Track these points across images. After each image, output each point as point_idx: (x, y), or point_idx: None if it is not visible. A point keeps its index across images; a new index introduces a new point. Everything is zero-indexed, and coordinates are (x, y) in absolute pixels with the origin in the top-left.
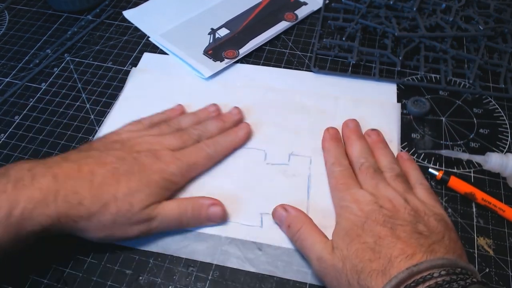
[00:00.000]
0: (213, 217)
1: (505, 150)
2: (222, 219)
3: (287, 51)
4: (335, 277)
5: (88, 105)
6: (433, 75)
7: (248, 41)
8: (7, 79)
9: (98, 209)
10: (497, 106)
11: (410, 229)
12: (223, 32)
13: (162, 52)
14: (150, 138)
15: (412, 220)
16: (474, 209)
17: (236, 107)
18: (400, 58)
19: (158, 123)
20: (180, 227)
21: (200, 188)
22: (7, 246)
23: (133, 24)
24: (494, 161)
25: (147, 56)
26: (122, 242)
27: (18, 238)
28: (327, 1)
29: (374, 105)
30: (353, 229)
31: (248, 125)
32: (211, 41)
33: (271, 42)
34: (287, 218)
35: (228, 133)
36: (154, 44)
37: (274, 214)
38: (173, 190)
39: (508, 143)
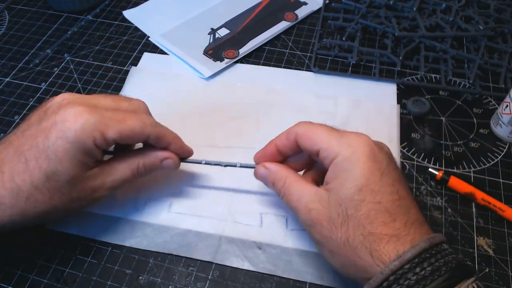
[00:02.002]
0: (167, 168)
1: (504, 150)
2: (175, 168)
3: (287, 51)
4: (327, 229)
5: None
6: (433, 75)
7: (248, 41)
8: (7, 79)
9: (25, 203)
10: (497, 106)
11: (405, 184)
12: (223, 32)
13: (162, 52)
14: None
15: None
16: (474, 209)
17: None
18: (400, 58)
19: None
20: (136, 179)
21: (198, 187)
22: None
23: (133, 24)
24: None
25: (147, 56)
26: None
27: None
28: (327, 1)
29: (374, 105)
30: (368, 183)
31: None
32: (211, 41)
33: (271, 42)
34: (269, 175)
35: None
36: (154, 44)
37: (256, 173)
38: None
39: (507, 143)
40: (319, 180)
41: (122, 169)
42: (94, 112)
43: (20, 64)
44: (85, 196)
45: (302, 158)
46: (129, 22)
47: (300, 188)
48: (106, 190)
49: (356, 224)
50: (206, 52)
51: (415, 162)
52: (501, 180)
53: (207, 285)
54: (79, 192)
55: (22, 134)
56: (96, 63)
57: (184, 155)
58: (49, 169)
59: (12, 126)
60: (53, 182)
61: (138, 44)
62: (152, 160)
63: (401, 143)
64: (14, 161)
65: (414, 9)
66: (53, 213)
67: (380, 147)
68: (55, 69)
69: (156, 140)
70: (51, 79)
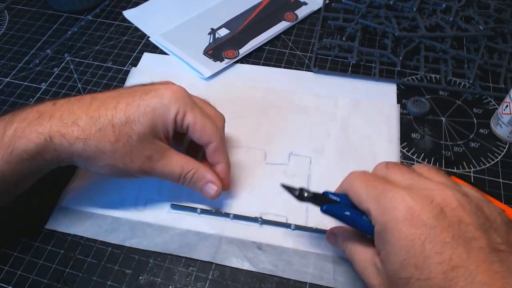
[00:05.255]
0: (205, 193)
1: (504, 150)
2: (213, 198)
3: (287, 51)
4: None
5: None
6: (433, 75)
7: (248, 41)
8: (7, 79)
9: (94, 133)
10: (497, 106)
11: (486, 243)
12: (223, 32)
13: (162, 52)
14: None
15: (483, 226)
16: None
17: None
18: (400, 58)
19: None
20: (176, 183)
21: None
22: (4, 171)
23: (133, 24)
24: None
25: (147, 56)
26: (126, 178)
27: (12, 160)
28: (327, 1)
29: (374, 105)
30: (409, 256)
31: None
32: (211, 41)
33: (271, 42)
34: (338, 242)
35: None
36: (154, 44)
37: (327, 239)
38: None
39: (507, 143)
40: None
41: (176, 163)
42: (189, 99)
43: (20, 64)
44: (136, 161)
45: None
46: (129, 22)
47: (363, 258)
48: (153, 170)
49: None
50: (206, 52)
51: (415, 162)
52: (501, 180)
53: (207, 285)
54: (137, 152)
55: (123, 90)
56: (96, 63)
57: (223, 183)
58: (132, 117)
59: None
60: (127, 128)
61: (138, 44)
62: (203, 174)
63: (401, 143)
64: (108, 100)
65: (414, 9)
66: (101, 159)
67: (428, 201)
68: (55, 69)
69: (213, 152)
70: (51, 79)
